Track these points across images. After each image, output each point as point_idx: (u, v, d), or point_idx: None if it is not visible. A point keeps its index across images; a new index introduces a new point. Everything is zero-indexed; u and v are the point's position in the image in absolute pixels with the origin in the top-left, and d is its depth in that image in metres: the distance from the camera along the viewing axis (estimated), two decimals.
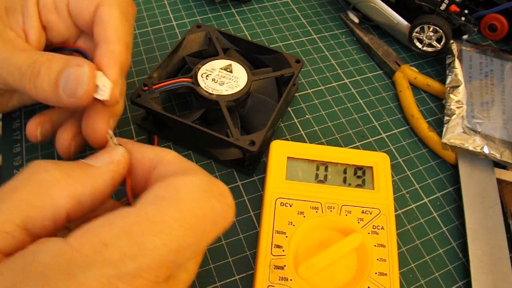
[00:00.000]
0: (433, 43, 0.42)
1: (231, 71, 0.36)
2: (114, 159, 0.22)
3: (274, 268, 0.27)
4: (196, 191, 0.20)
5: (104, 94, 0.25)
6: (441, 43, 0.41)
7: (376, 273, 0.28)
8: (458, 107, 0.37)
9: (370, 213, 0.30)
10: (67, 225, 0.24)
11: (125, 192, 0.23)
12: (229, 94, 0.34)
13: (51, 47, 0.31)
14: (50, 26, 0.29)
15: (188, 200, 0.19)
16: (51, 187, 0.20)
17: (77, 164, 0.21)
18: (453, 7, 0.41)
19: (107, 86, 0.25)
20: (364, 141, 0.38)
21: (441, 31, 0.40)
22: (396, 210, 0.34)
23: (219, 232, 0.20)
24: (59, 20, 0.29)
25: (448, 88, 0.39)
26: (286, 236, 0.29)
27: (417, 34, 0.42)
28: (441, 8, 0.41)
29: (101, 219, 0.19)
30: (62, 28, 0.29)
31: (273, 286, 0.27)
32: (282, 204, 0.30)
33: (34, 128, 0.29)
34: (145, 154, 0.23)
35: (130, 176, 0.23)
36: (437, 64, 0.45)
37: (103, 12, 0.27)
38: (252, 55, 0.39)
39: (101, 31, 0.27)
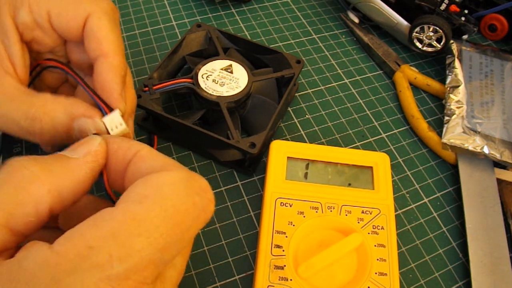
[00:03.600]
0: (433, 43, 0.42)
1: (231, 72, 0.36)
2: (91, 150, 0.22)
3: (274, 268, 0.27)
4: (178, 187, 0.20)
5: (117, 131, 0.26)
6: (441, 43, 0.41)
7: (376, 273, 0.28)
8: (458, 107, 0.37)
9: (370, 213, 0.30)
10: (52, 224, 0.24)
11: (102, 184, 0.23)
12: (229, 95, 0.34)
13: (40, 57, 0.30)
14: (35, 40, 0.29)
15: (171, 197, 0.19)
16: (31, 183, 0.19)
17: (55, 158, 0.21)
18: (453, 7, 0.41)
19: (122, 128, 0.25)
20: (364, 141, 0.38)
21: (441, 31, 0.40)
22: (396, 210, 0.34)
23: (201, 226, 0.21)
24: (43, 35, 0.28)
25: (448, 88, 0.39)
26: (286, 236, 0.29)
27: (417, 34, 0.42)
28: (441, 8, 0.41)
29: (86, 222, 0.18)
30: (48, 41, 0.29)
31: (273, 286, 0.27)
32: (282, 204, 0.30)
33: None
34: (120, 145, 0.23)
35: (106, 168, 0.23)
36: (437, 64, 0.45)
37: (94, 25, 0.27)
38: (252, 55, 0.39)
39: (96, 45, 0.26)
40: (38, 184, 0.20)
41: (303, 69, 0.43)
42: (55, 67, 0.28)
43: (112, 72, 0.26)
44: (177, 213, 0.19)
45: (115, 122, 0.25)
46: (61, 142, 0.26)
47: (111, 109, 0.25)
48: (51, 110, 0.25)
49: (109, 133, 0.25)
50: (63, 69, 0.28)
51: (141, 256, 0.18)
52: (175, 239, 0.19)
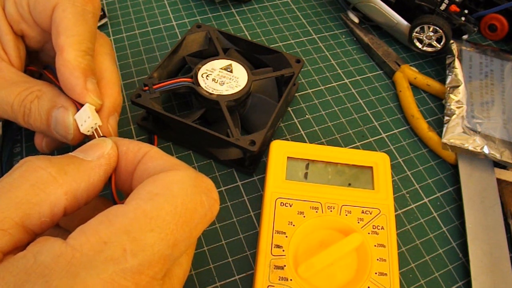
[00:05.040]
0: (433, 43, 0.42)
1: (231, 71, 0.36)
2: (105, 153, 0.22)
3: (274, 268, 0.27)
4: (186, 186, 0.20)
5: (91, 130, 0.26)
6: (441, 43, 0.41)
7: (376, 273, 0.28)
8: (458, 107, 0.37)
9: (370, 213, 0.30)
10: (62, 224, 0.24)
11: (108, 185, 0.23)
12: (229, 94, 0.34)
13: (35, 54, 0.31)
14: (24, 34, 0.28)
15: (180, 195, 0.20)
16: (49, 184, 0.20)
17: (69, 159, 0.21)
18: (453, 7, 0.41)
19: (90, 121, 0.25)
20: (364, 141, 0.38)
21: (441, 31, 0.40)
22: (396, 210, 0.34)
23: (207, 225, 0.21)
24: (28, 27, 0.28)
25: (448, 88, 0.39)
26: (286, 236, 0.29)
27: (417, 34, 0.42)
28: (441, 8, 0.41)
29: (99, 218, 0.19)
30: (36, 35, 0.29)
31: (273, 286, 0.27)
32: (282, 204, 0.30)
33: (40, 141, 0.30)
34: (129, 147, 0.23)
35: (115, 170, 0.23)
36: (437, 64, 0.45)
37: (56, 17, 0.26)
38: (252, 55, 0.39)
39: (55, 39, 0.26)
40: (56, 186, 0.20)
41: (303, 69, 0.43)
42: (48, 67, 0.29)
43: (68, 67, 0.25)
44: (186, 210, 0.20)
45: (83, 117, 0.25)
46: (42, 129, 0.27)
47: (82, 105, 0.26)
48: (41, 93, 0.26)
49: (79, 129, 0.25)
50: (42, 71, 0.29)
51: (153, 251, 0.18)
52: (184, 236, 0.19)
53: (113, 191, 0.23)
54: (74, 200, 0.21)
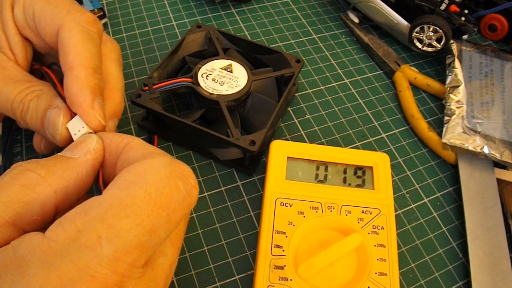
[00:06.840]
0: (433, 43, 0.42)
1: (231, 71, 0.36)
2: (90, 148, 0.23)
3: (274, 268, 0.27)
4: (161, 172, 0.21)
5: (79, 134, 0.25)
6: (441, 43, 0.41)
7: (376, 273, 0.28)
8: (458, 107, 0.37)
9: (370, 213, 0.30)
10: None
11: (96, 178, 0.24)
12: (229, 94, 0.34)
13: (41, 56, 0.31)
14: (29, 40, 0.29)
15: (155, 181, 0.20)
16: (38, 184, 0.21)
17: (57, 159, 0.22)
18: (453, 7, 0.41)
19: (84, 131, 0.25)
20: (364, 141, 0.38)
21: (441, 31, 0.40)
22: (396, 210, 0.34)
23: (185, 211, 0.21)
24: (34, 37, 0.28)
25: (448, 88, 0.39)
26: (286, 236, 0.29)
27: (417, 34, 0.42)
28: (441, 8, 0.41)
29: (75, 209, 0.19)
30: (39, 43, 0.29)
31: (273, 286, 0.27)
32: (282, 204, 0.30)
33: (39, 142, 0.30)
34: (112, 139, 0.24)
35: (102, 163, 0.24)
36: (437, 64, 0.45)
37: (63, 37, 0.26)
38: (252, 55, 0.39)
39: (64, 58, 0.26)
40: (45, 185, 0.21)
41: (303, 69, 0.43)
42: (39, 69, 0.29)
43: (77, 84, 0.25)
44: (161, 196, 0.20)
45: (77, 126, 0.25)
46: (36, 128, 0.27)
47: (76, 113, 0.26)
48: (41, 93, 0.26)
49: (72, 137, 0.25)
50: (44, 71, 0.28)
51: (129, 237, 0.18)
52: (161, 222, 0.20)
53: (100, 184, 0.23)
54: (65, 197, 0.21)
